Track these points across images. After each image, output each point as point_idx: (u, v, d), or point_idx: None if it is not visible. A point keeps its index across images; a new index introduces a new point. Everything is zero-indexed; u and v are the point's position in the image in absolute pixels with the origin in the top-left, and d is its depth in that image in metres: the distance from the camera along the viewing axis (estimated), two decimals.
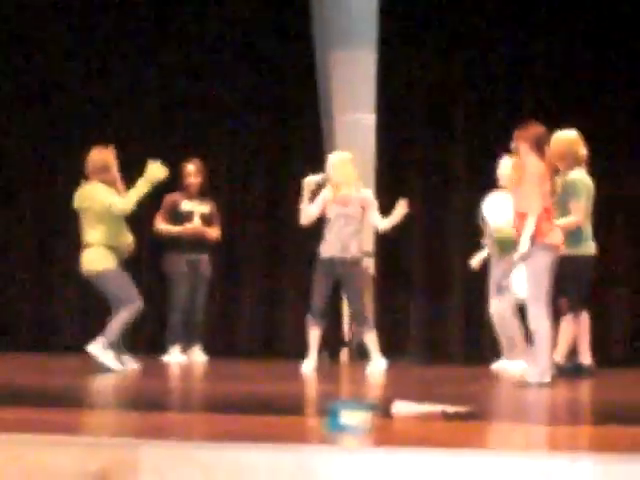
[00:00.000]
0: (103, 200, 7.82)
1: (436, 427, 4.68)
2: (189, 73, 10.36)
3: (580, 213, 7.33)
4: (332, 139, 10.06)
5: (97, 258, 7.88)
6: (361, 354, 9.14)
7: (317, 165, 8.53)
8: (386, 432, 4.47)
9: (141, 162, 8.23)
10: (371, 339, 8.35)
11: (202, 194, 9.29)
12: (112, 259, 7.93)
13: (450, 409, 5.03)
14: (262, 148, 10.26)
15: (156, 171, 7.82)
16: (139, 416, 5.25)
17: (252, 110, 10.26)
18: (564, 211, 7.27)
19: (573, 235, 7.25)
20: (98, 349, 7.76)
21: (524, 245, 6.63)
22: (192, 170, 9.14)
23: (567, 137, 7.47)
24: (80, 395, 6.71)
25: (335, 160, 8.11)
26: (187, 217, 9.14)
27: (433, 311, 9.91)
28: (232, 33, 10.37)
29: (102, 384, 7.38)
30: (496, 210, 8.03)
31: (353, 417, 4.29)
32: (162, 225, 9.20)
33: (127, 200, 7.82)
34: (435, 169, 9.60)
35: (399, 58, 10.00)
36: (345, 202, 8.03)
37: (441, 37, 9.96)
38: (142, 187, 7.81)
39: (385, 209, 8.25)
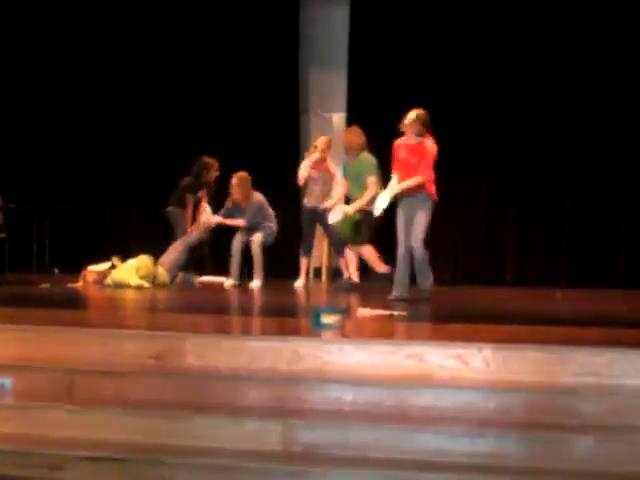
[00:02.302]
0: None
1: (385, 324, 4.64)
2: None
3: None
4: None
5: None
6: (335, 274, 9.03)
7: None
8: (352, 328, 4.42)
9: None
10: (343, 263, 8.32)
11: None
12: None
13: (394, 313, 4.98)
14: None
15: None
16: (185, 317, 5.18)
17: None
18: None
19: None
20: None
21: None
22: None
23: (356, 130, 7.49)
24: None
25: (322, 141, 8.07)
26: None
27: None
28: None
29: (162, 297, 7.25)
30: None
31: (330, 318, 4.26)
32: None
33: None
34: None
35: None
36: (323, 171, 7.96)
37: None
38: None
39: None
